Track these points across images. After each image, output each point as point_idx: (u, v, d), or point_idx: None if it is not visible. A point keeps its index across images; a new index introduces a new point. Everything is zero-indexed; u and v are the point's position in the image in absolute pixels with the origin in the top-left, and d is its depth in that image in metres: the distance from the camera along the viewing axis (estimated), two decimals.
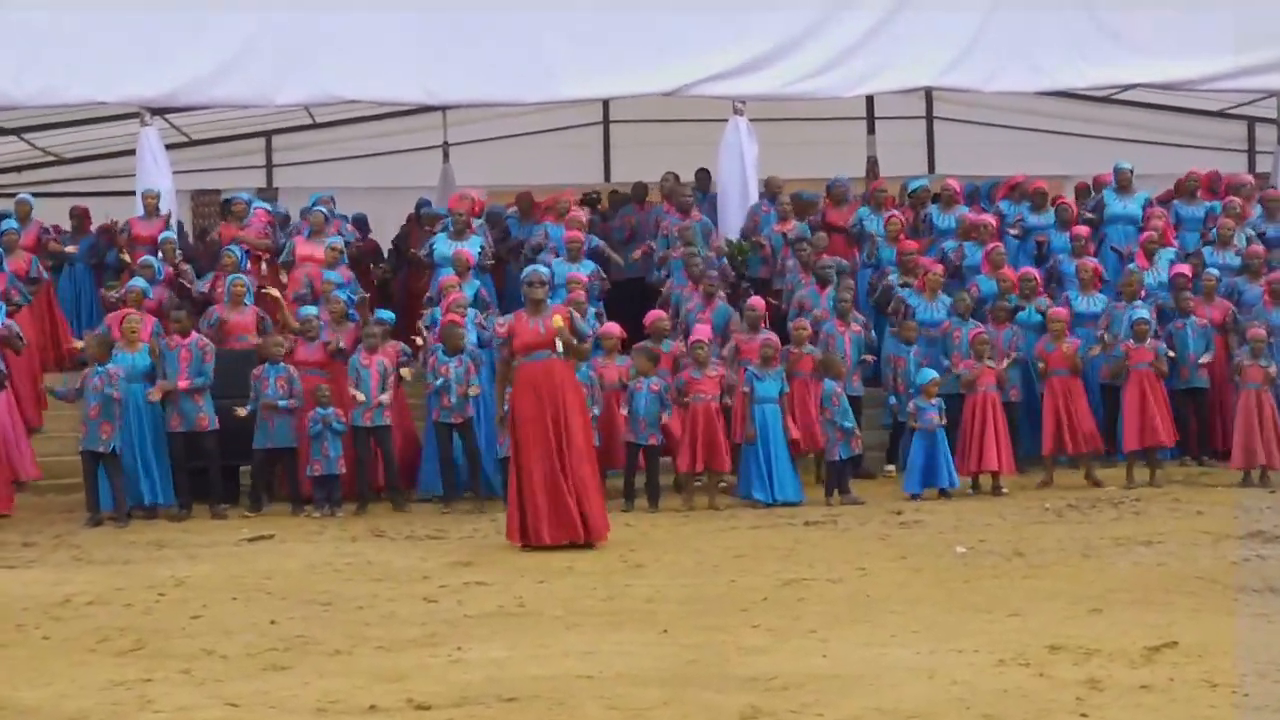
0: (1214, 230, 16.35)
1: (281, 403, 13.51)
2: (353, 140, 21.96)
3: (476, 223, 16.03)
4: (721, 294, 15.24)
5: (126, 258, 16.17)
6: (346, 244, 16.01)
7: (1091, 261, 15.53)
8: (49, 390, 14.40)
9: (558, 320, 11.21)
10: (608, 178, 22.05)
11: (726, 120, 17.59)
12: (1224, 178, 17.72)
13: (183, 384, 13.45)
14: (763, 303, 14.76)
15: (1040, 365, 14.30)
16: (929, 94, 20.86)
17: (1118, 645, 7.51)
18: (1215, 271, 15.60)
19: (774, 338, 14.16)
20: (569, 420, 11.20)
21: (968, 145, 21.54)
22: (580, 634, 8.19)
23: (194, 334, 13.86)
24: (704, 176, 18.44)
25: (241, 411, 13.54)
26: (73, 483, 13.84)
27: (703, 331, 13.98)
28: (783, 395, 13.60)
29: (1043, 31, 17.62)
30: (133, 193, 17.22)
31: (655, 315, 14.41)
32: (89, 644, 8.20)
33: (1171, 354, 14.54)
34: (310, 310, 14.53)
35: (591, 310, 14.41)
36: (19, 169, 21.68)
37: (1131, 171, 16.81)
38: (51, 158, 21.77)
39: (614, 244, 17.18)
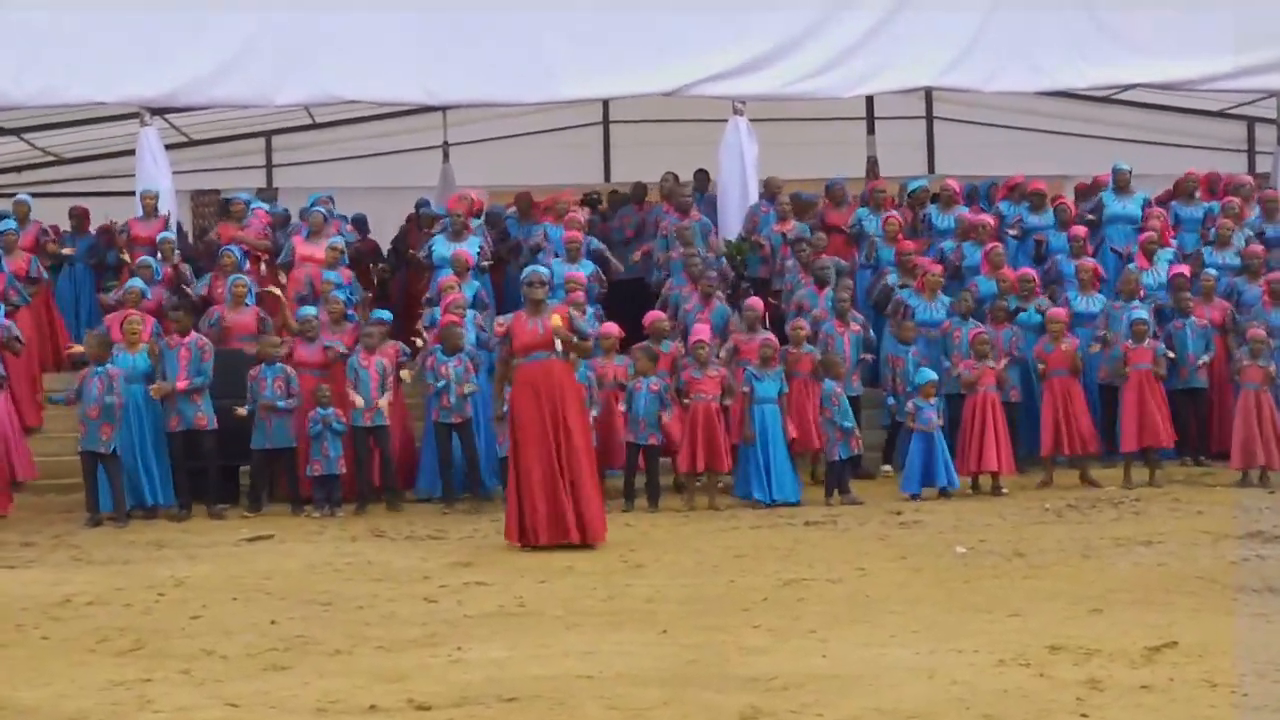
0: (1213, 230, 16.36)
1: (280, 403, 13.50)
2: (353, 140, 21.96)
3: (475, 223, 16.03)
4: (720, 294, 15.25)
5: (126, 258, 16.18)
6: (346, 244, 16.01)
7: (1090, 262, 15.53)
8: (48, 398, 14.41)
9: (555, 319, 11.22)
10: (608, 178, 22.05)
11: (726, 120, 17.58)
12: (1223, 178, 17.74)
13: (181, 384, 13.44)
14: (761, 303, 14.76)
15: (1040, 366, 14.31)
16: (929, 94, 20.87)
17: (1118, 645, 7.51)
18: (1214, 272, 15.61)
19: (773, 338, 14.15)
20: (568, 421, 11.20)
21: (967, 145, 21.55)
22: (580, 634, 8.18)
23: (193, 333, 13.85)
24: (702, 177, 18.42)
25: (241, 411, 13.54)
26: (72, 483, 13.81)
27: (703, 331, 13.98)
28: (782, 395, 13.61)
29: (1043, 31, 17.62)
30: (132, 193, 17.20)
31: (654, 315, 14.41)
32: (88, 644, 8.19)
33: (1171, 354, 14.55)
34: (309, 311, 14.51)
35: (590, 311, 14.40)
36: (19, 169, 21.68)
37: (1130, 172, 16.80)
38: (51, 158, 21.76)
39: (614, 244, 17.17)
